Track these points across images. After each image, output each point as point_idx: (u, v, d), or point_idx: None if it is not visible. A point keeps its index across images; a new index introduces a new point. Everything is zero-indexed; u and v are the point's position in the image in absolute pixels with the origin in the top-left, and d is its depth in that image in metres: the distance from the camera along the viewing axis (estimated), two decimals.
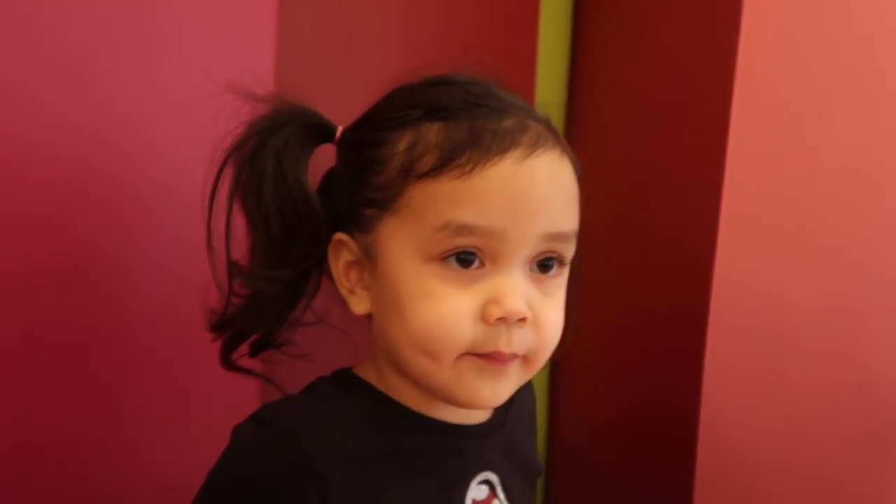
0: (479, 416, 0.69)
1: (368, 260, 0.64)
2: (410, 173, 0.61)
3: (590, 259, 1.20)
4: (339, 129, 0.68)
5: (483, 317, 0.60)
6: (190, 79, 0.76)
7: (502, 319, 0.60)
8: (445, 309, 0.60)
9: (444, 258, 0.60)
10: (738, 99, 1.00)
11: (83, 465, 0.77)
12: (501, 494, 0.70)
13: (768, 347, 1.04)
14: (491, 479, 0.69)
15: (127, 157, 0.78)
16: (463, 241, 0.59)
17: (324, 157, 0.69)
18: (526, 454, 0.77)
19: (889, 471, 1.08)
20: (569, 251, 0.64)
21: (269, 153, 0.65)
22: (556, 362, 1.29)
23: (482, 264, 0.60)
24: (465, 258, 0.60)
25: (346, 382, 0.68)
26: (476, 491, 0.67)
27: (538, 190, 0.60)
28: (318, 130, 0.68)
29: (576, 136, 1.26)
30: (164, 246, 0.78)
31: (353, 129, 0.67)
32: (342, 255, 0.66)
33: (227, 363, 0.70)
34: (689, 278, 1.06)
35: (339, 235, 0.66)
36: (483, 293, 0.60)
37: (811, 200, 1.04)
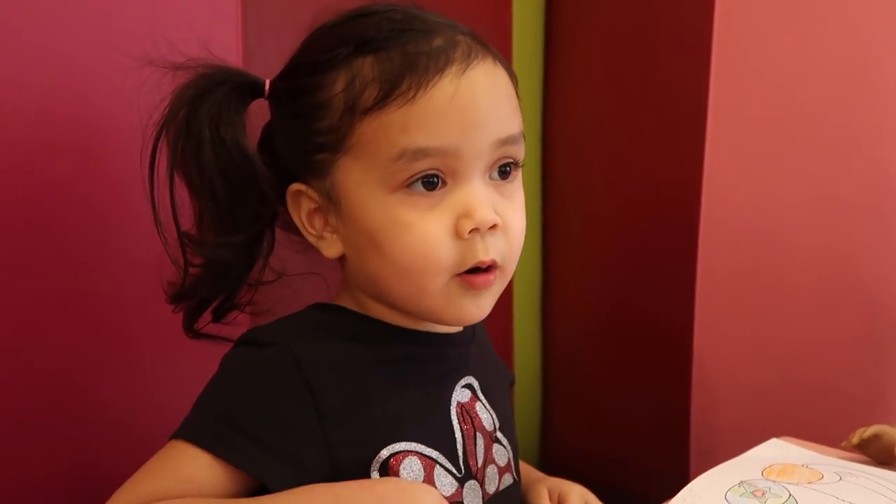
0: (453, 328, 0.72)
1: (331, 203, 0.65)
2: (355, 111, 0.61)
3: (580, 169, 1.22)
4: (267, 82, 0.68)
5: (457, 232, 0.62)
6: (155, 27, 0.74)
7: (475, 231, 0.62)
8: (420, 234, 0.61)
9: (408, 185, 0.62)
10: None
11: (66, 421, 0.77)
12: (483, 397, 0.73)
13: (758, 251, 1.06)
14: (472, 384, 0.72)
15: (94, 101, 0.76)
16: (421, 165, 0.61)
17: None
18: (497, 362, 0.81)
19: (882, 372, 1.11)
20: (520, 153, 0.66)
21: (203, 121, 0.64)
22: (549, 271, 1.30)
23: (444, 183, 0.62)
24: (429, 180, 0.62)
25: (322, 307, 0.70)
26: (460, 394, 0.70)
27: (482, 100, 0.62)
28: (248, 88, 0.67)
29: (557, 61, 1.25)
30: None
31: (283, 78, 0.67)
32: (302, 204, 0.67)
33: (192, 332, 0.70)
34: (678, 185, 1.07)
35: (296, 186, 0.66)
36: (452, 210, 0.62)
37: (797, 102, 1.04)
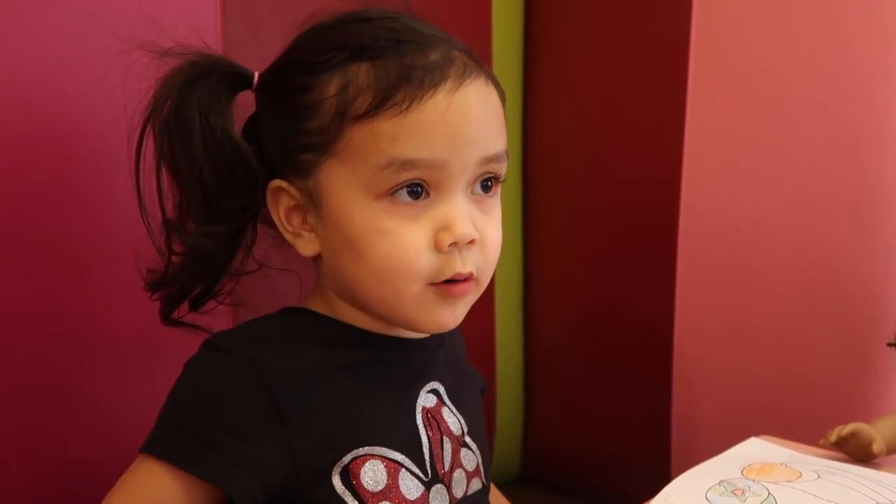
0: (421, 333, 0.72)
1: (312, 203, 0.65)
2: (346, 116, 0.62)
3: (560, 168, 1.23)
4: (256, 75, 0.67)
5: (437, 245, 0.63)
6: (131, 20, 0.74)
7: (454, 245, 0.63)
8: (400, 244, 0.62)
9: (392, 193, 0.62)
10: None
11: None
12: (449, 402, 0.73)
13: (737, 249, 1.07)
14: (438, 389, 0.73)
15: (74, 100, 0.76)
16: (408, 175, 0.62)
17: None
18: (468, 369, 0.81)
19: (861, 369, 1.11)
20: (503, 169, 0.67)
21: (192, 109, 0.64)
22: (530, 269, 1.31)
23: (427, 194, 0.63)
24: (414, 190, 0.62)
25: (292, 311, 0.70)
26: (425, 398, 0.71)
27: (472, 118, 0.63)
28: (236, 79, 0.66)
29: (537, 61, 1.25)
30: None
31: (273, 74, 0.67)
32: (281, 201, 0.66)
33: (168, 320, 0.70)
34: (658, 183, 1.08)
35: (277, 182, 0.66)
36: (432, 222, 0.63)
37: (775, 101, 1.05)
